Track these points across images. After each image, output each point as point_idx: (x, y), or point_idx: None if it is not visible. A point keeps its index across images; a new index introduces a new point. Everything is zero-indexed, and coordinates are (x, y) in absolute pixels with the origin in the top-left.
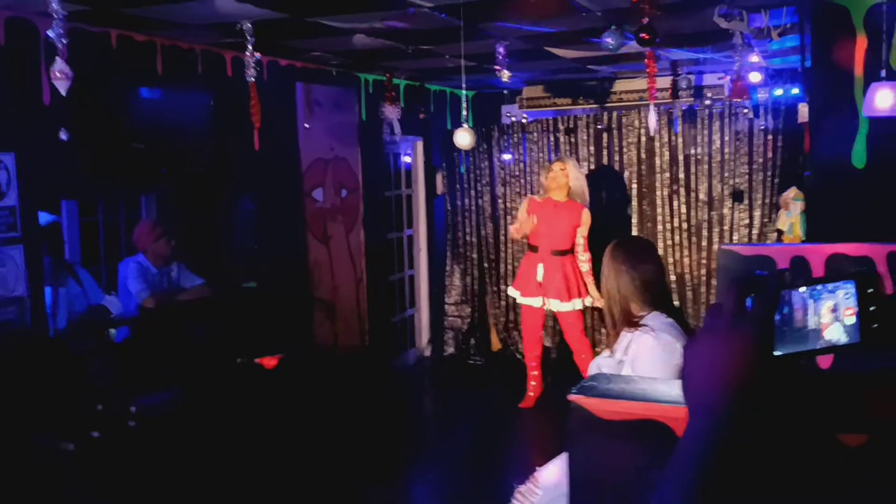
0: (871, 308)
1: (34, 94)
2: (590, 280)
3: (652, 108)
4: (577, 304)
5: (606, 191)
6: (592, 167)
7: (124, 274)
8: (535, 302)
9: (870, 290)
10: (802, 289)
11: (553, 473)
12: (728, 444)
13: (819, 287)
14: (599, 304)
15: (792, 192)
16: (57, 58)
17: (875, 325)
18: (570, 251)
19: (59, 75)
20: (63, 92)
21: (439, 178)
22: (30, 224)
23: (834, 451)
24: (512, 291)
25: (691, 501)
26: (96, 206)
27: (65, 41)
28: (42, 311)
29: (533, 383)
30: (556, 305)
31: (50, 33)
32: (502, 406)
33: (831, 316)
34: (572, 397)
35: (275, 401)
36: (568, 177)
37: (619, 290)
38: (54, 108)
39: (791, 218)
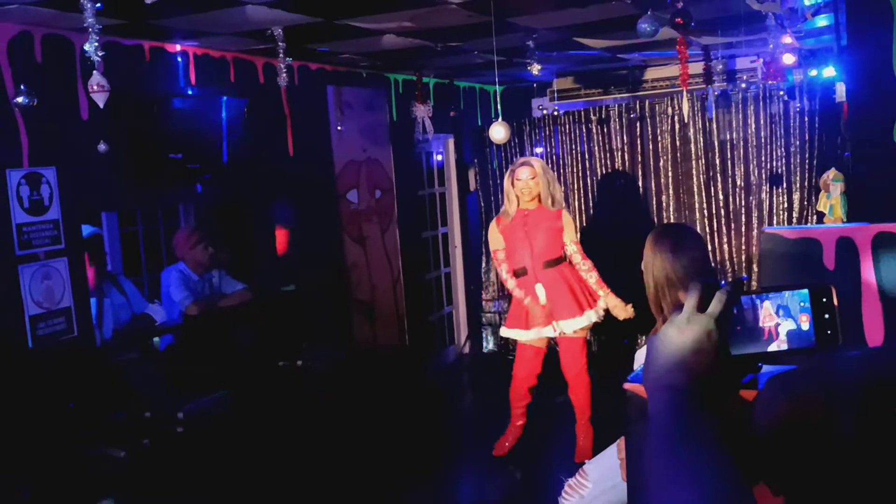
0: (825, 316)
1: (72, 108)
2: (604, 290)
3: (685, 94)
4: (591, 315)
5: (642, 181)
6: (626, 157)
7: (167, 282)
8: (546, 331)
9: (823, 300)
10: (755, 297)
11: (602, 466)
12: (688, 416)
13: (771, 295)
14: (622, 313)
15: (831, 173)
16: (94, 71)
17: (829, 332)
18: (563, 259)
19: (97, 88)
20: (101, 104)
21: (472, 174)
22: (73, 237)
23: (893, 426)
24: (510, 333)
25: (659, 461)
26: (136, 217)
27: (101, 54)
28: (88, 321)
29: (514, 433)
30: (569, 325)
31: (86, 47)
32: (545, 400)
33: (783, 321)
34: (628, 386)
35: (318, 402)
36: (539, 184)
37: (664, 278)
38: (92, 122)
39: (831, 200)
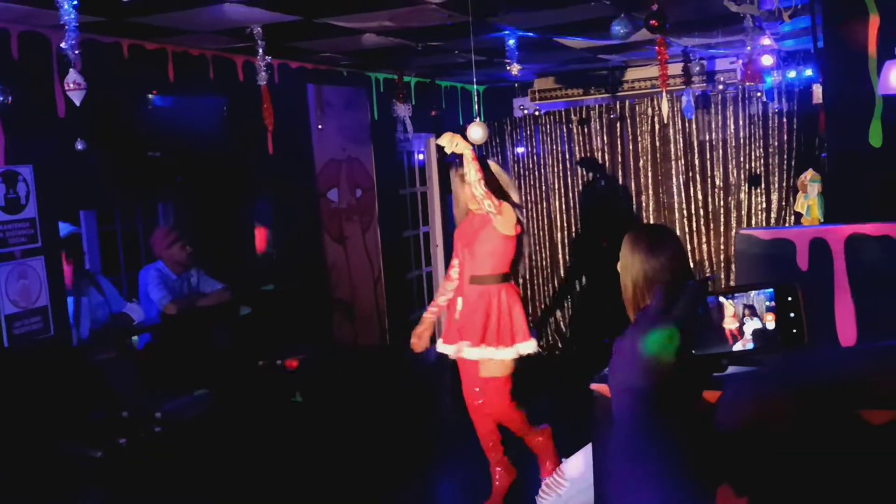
0: (791, 315)
1: (49, 106)
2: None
3: (664, 95)
4: (489, 352)
5: (622, 181)
6: (607, 157)
7: (145, 281)
8: (446, 348)
9: (789, 299)
10: (721, 297)
11: (579, 465)
12: (650, 418)
13: (738, 294)
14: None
15: (809, 174)
16: (71, 69)
17: (794, 331)
18: (495, 278)
19: (73, 86)
20: (77, 102)
21: (453, 173)
22: (50, 235)
23: (857, 427)
24: (442, 347)
25: (625, 460)
26: (114, 215)
27: (77, 52)
28: (65, 320)
29: (499, 469)
30: (466, 351)
31: (63, 45)
32: (524, 401)
33: (747, 321)
34: (595, 386)
35: (298, 401)
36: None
37: (643, 279)
38: (69, 120)
39: (808, 200)
